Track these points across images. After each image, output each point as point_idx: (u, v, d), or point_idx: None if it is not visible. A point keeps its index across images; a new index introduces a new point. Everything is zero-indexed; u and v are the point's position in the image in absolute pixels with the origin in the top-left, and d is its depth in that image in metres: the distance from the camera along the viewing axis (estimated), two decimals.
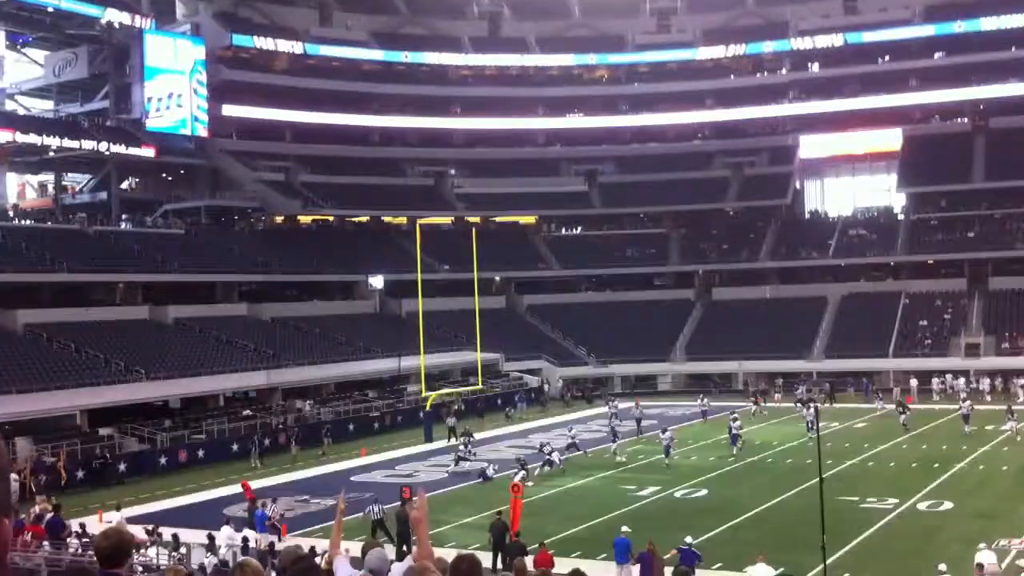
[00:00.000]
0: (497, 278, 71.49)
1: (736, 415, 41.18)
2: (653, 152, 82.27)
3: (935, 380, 55.18)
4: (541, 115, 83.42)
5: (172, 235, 62.12)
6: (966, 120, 77.02)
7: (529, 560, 22.09)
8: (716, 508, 28.31)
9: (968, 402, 43.38)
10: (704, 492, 31.31)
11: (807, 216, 79.94)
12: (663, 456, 36.70)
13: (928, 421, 44.86)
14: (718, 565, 21.89)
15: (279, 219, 72.30)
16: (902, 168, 74.53)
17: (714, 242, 75.80)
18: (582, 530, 27.31)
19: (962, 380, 54.07)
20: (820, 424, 26.66)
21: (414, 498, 29.23)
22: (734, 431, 39.19)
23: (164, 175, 71.81)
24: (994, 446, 38.15)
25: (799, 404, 47.28)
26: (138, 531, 25.13)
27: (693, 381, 62.81)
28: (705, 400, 50.87)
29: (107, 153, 62.90)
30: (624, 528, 22.76)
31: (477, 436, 42.29)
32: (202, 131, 68.83)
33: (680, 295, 73.10)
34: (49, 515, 25.34)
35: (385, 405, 52.03)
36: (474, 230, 56.48)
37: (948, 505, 28.00)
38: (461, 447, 39.38)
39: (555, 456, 36.09)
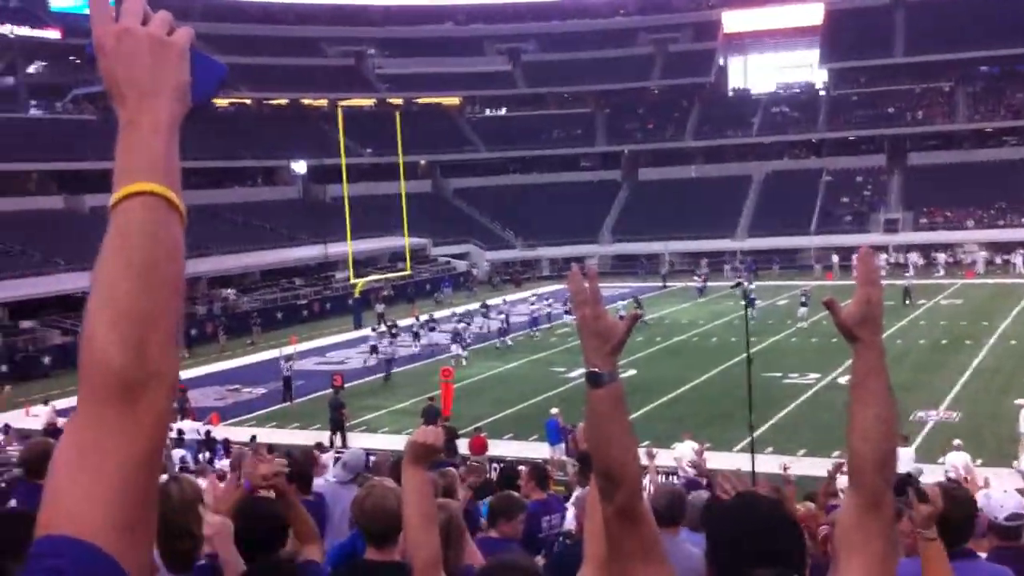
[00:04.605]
0: (422, 161, 70.63)
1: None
2: (576, 29, 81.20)
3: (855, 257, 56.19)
4: None
5: (86, 121, 59.92)
6: None
7: (463, 443, 22.46)
8: (645, 387, 28.68)
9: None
10: (633, 372, 31.76)
11: (731, 94, 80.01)
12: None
13: (848, 296, 45.88)
14: (646, 442, 22.29)
15: None
16: (824, 43, 74.63)
17: (639, 122, 75.58)
18: (513, 413, 27.71)
19: (883, 257, 55.14)
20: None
21: (343, 387, 29.38)
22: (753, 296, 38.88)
23: (72, 58, 68.87)
24: (911, 321, 39.30)
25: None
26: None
27: (620, 262, 63.28)
28: (702, 276, 52.69)
29: (11, 36, 60.19)
30: (554, 409, 23.07)
31: (407, 322, 42.09)
32: None
33: (607, 176, 73.12)
34: None
35: (313, 292, 51.66)
36: (397, 112, 55.43)
37: None
38: (375, 334, 38.73)
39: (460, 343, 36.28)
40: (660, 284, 54.73)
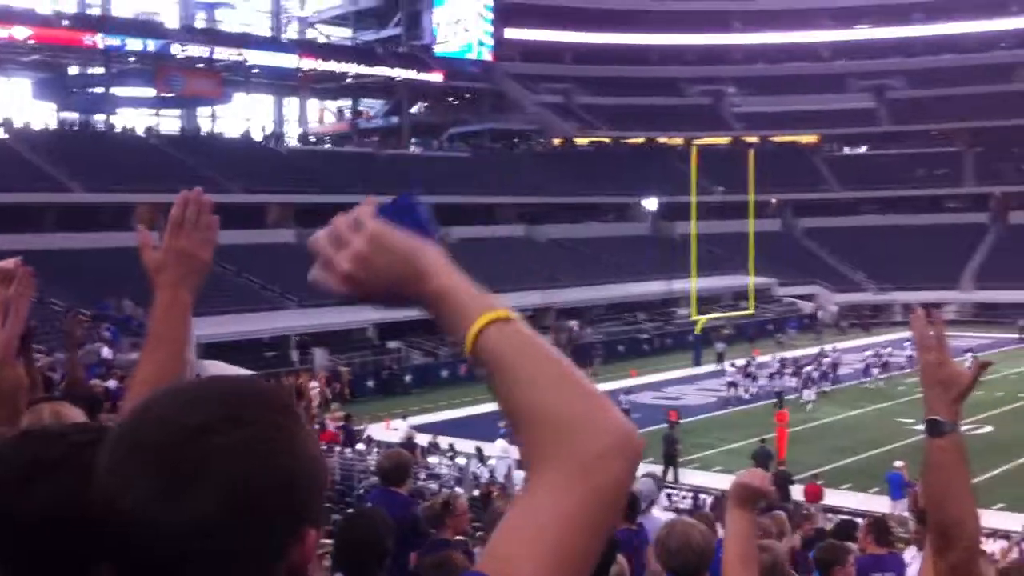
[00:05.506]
0: (773, 200, 69.96)
1: None
2: (948, 64, 77.00)
3: None
4: (826, 27, 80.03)
5: (458, 158, 64.95)
6: None
7: (797, 490, 22.34)
8: (1002, 445, 26.91)
9: None
10: (989, 428, 29.88)
11: None
12: None
13: None
14: (999, 505, 21.17)
15: (556, 141, 73.82)
16: None
17: (1013, 162, 70.54)
18: (852, 462, 27.11)
19: None
20: None
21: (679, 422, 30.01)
22: None
23: (450, 99, 74.78)
24: None
25: None
26: (423, 439, 27.23)
27: (982, 311, 59.07)
28: None
29: (398, 79, 66.52)
30: (897, 463, 22.38)
31: (744, 361, 42.00)
32: (487, 55, 71.15)
33: (973, 219, 68.70)
34: (340, 423, 27.83)
35: (654, 327, 52.78)
36: (751, 151, 55.61)
37: None
38: (729, 368, 39.55)
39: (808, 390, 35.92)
40: (1016, 336, 50.89)
